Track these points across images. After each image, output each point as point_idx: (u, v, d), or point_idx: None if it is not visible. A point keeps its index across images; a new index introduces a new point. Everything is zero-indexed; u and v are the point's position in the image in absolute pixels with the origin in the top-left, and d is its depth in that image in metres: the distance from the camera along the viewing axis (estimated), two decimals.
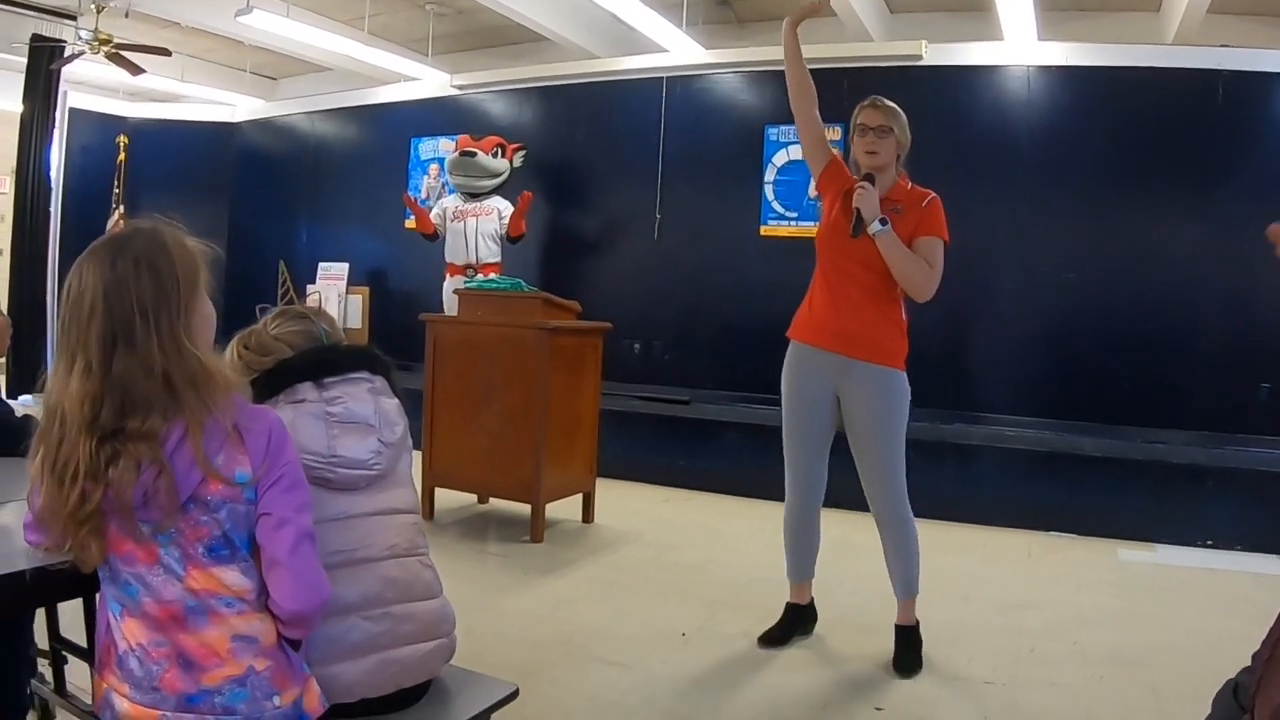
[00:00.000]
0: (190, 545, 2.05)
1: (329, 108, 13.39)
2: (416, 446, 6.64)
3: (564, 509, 7.27)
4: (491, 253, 10.62)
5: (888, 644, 4.92)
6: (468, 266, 10.49)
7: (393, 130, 12.64)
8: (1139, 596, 6.24)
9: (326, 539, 2.51)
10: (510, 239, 10.70)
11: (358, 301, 12.26)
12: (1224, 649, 1.83)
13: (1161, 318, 8.97)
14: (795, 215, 9.73)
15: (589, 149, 11.34)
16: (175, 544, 2.04)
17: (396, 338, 10.20)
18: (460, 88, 12.08)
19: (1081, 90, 9.36)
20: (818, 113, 4.99)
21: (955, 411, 9.29)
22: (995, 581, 6.42)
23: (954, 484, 8.21)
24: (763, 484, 8.23)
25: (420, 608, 2.69)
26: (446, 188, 11.62)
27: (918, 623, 4.92)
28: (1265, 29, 9.84)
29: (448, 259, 10.77)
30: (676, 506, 8.24)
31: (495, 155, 10.83)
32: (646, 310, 10.58)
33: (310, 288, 12.38)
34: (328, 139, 13.41)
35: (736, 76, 10.70)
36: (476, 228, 10.61)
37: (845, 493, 5.30)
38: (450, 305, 10.02)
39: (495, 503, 7.64)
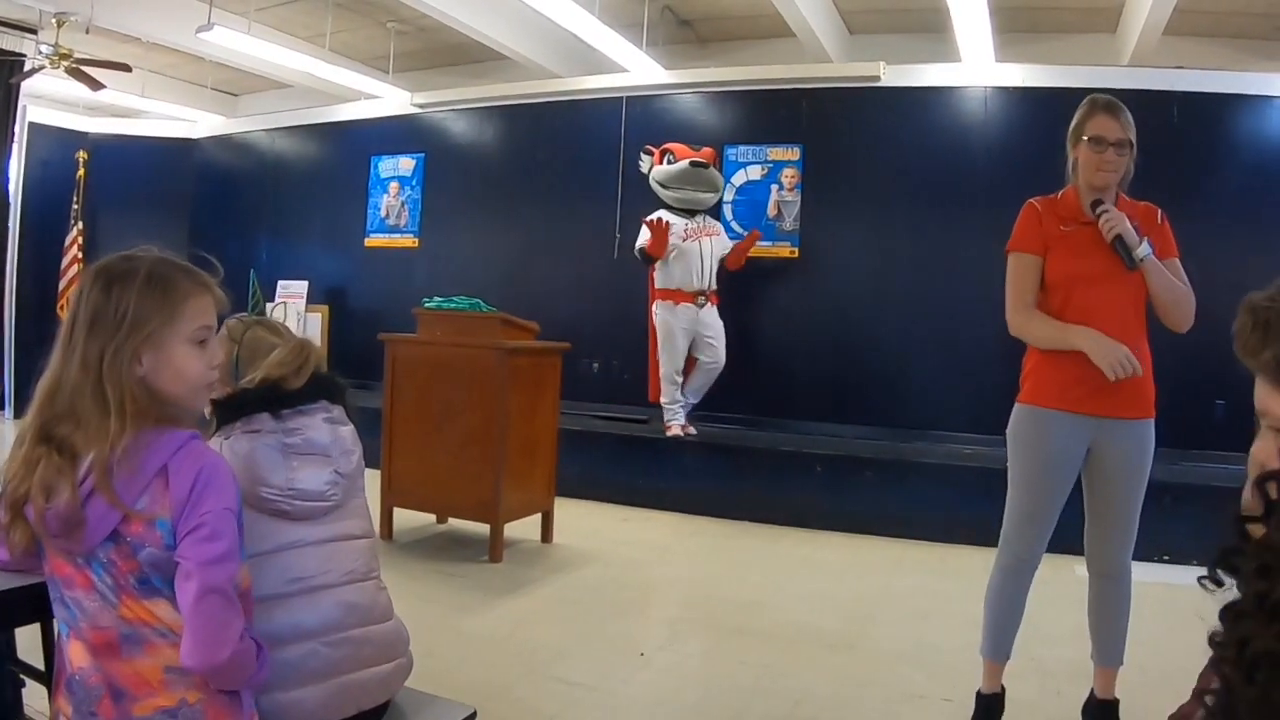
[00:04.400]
0: (122, 576, 2.03)
1: (290, 125, 13.38)
2: (375, 466, 6.65)
3: (523, 529, 7.24)
4: (716, 279, 9.60)
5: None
6: (699, 293, 9.40)
7: (353, 148, 12.64)
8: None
9: (285, 567, 2.53)
10: (729, 270, 9.71)
11: (317, 320, 12.22)
12: (1182, 664, 1.87)
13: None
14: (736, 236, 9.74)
15: (549, 168, 11.36)
16: (108, 572, 2.03)
17: (356, 357, 10.19)
18: (421, 106, 12.09)
19: (1039, 111, 9.43)
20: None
21: (916, 429, 9.35)
22: (954, 598, 6.44)
23: (913, 502, 8.22)
24: (722, 503, 8.30)
25: (377, 630, 2.71)
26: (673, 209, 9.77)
27: (1118, 700, 4.32)
28: (1220, 51, 9.93)
29: (667, 284, 9.46)
30: (636, 525, 8.24)
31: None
32: (606, 329, 10.61)
33: (270, 305, 12.33)
34: (288, 156, 13.39)
35: (696, 97, 10.76)
36: (711, 249, 9.56)
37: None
38: (673, 342, 9.35)
39: (454, 522, 7.63)
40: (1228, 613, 0.93)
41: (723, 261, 9.56)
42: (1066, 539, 7.94)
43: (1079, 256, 4.12)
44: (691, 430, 9.27)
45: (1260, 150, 9.33)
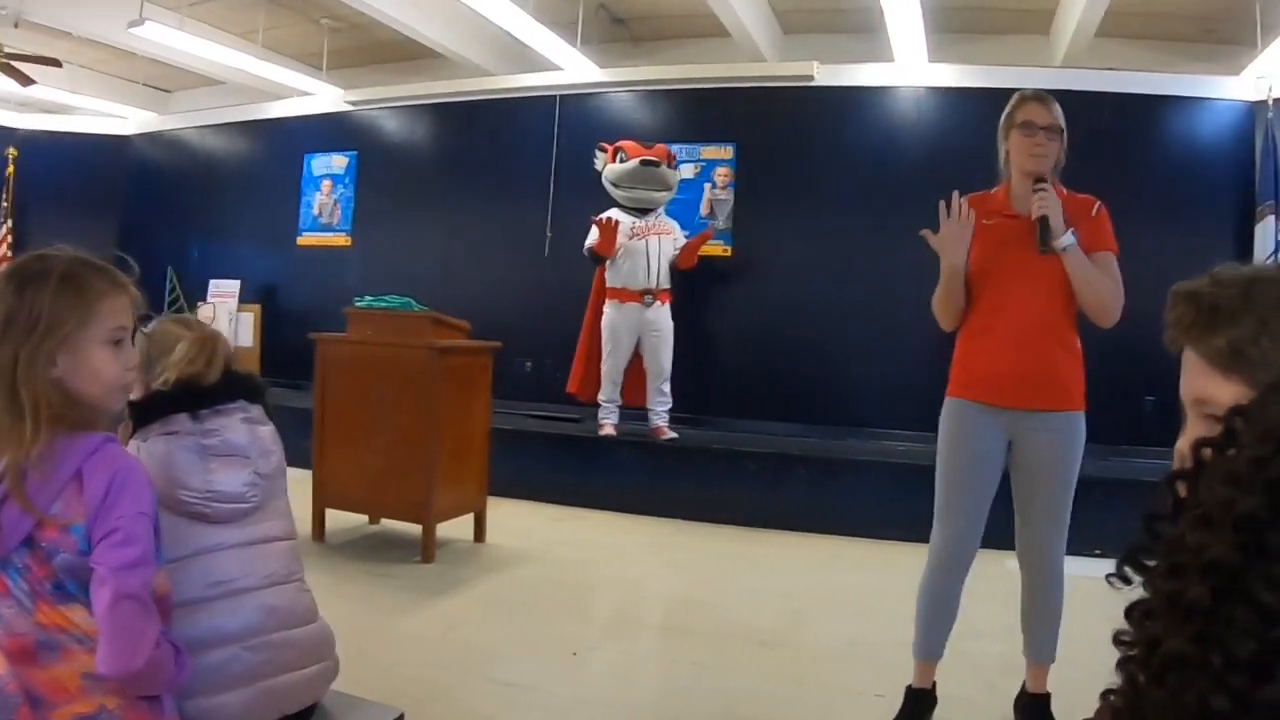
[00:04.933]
0: (38, 582, 2.00)
1: (222, 122, 13.29)
2: (306, 466, 6.61)
3: (455, 529, 7.19)
4: (668, 277, 9.40)
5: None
6: (645, 292, 9.24)
7: (286, 146, 12.57)
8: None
9: (205, 571, 2.50)
10: (680, 269, 9.54)
11: (249, 319, 12.13)
12: (1113, 656, 1.88)
13: None
14: (687, 233, 9.68)
15: (482, 166, 11.33)
16: (24, 578, 2.00)
17: (288, 356, 10.14)
18: (354, 103, 12.03)
19: (972, 111, 9.48)
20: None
21: (848, 427, 9.41)
22: (887, 595, 6.45)
23: (846, 499, 8.25)
24: (655, 502, 8.29)
25: (301, 633, 2.68)
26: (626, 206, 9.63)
27: (1050, 694, 4.33)
28: (1150, 53, 10.04)
29: (616, 283, 9.30)
30: (568, 525, 8.21)
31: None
32: (538, 328, 10.58)
33: (201, 304, 12.22)
34: (220, 153, 13.29)
35: (630, 95, 10.78)
36: (659, 247, 9.36)
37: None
38: (617, 341, 9.26)
39: (386, 523, 7.56)
40: (1134, 611, 0.92)
41: (673, 261, 9.40)
42: (998, 533, 8.01)
43: (999, 247, 4.17)
44: (672, 434, 9.20)
45: (1189, 151, 9.49)
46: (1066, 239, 4.06)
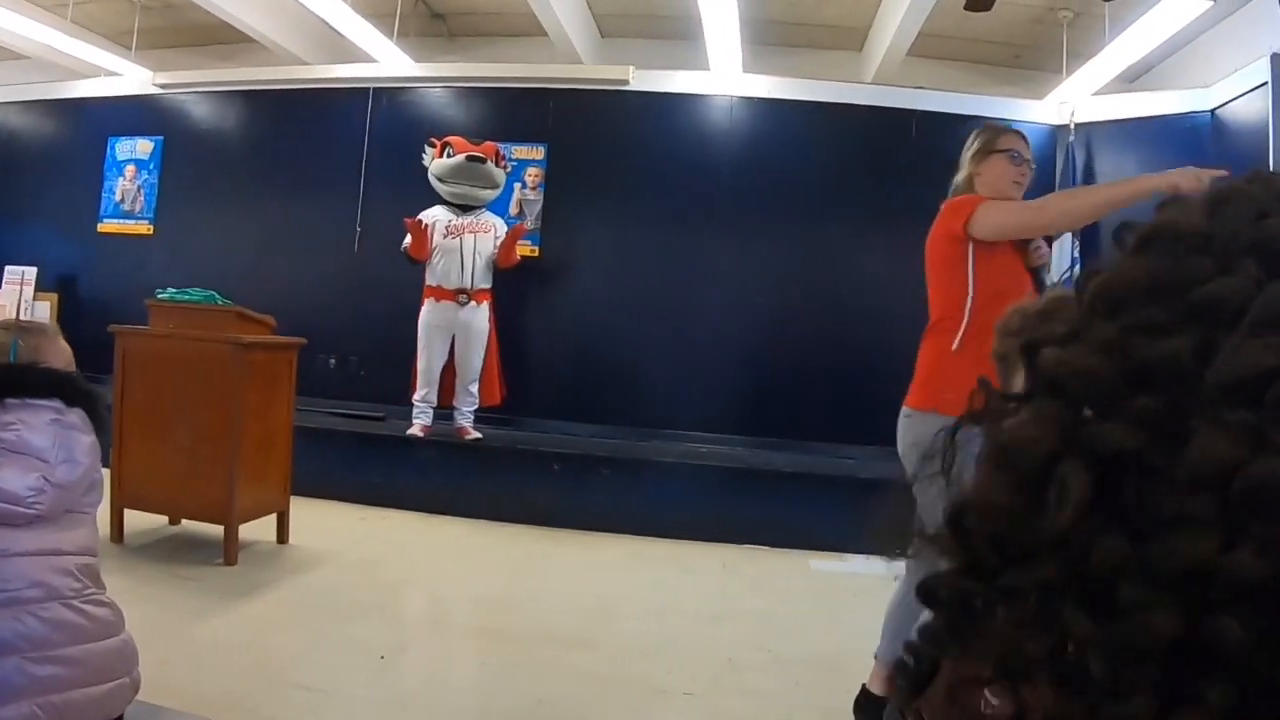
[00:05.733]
0: None
1: (23, 99, 12.82)
2: (104, 465, 6.43)
3: (258, 529, 7.03)
4: (486, 277, 9.27)
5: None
6: (460, 292, 9.08)
7: (89, 127, 12.15)
8: (832, 604, 6.51)
9: None
10: (501, 269, 9.40)
11: (45, 308, 11.74)
12: None
13: (852, 339, 9.49)
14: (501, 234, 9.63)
15: (292, 158, 11.11)
16: None
17: (87, 348, 9.73)
18: (163, 86, 11.72)
19: (783, 122, 9.70)
20: None
21: (653, 429, 9.48)
22: (693, 594, 6.55)
23: (651, 500, 8.31)
24: (461, 502, 8.26)
25: (95, 649, 2.62)
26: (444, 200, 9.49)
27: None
28: (960, 74, 10.34)
29: (432, 281, 9.18)
30: (372, 525, 8.13)
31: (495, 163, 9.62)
32: (343, 324, 10.44)
33: None
34: (20, 132, 12.81)
35: (445, 91, 10.70)
36: (475, 246, 9.19)
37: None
38: (430, 339, 9.13)
39: (188, 524, 7.33)
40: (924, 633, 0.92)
41: (493, 260, 9.27)
42: (794, 534, 8.11)
43: (1010, 267, 4.21)
44: (476, 434, 9.13)
45: None
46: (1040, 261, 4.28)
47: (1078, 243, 9.47)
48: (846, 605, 6.44)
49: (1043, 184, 9.83)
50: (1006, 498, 0.64)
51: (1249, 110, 8.75)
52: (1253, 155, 8.41)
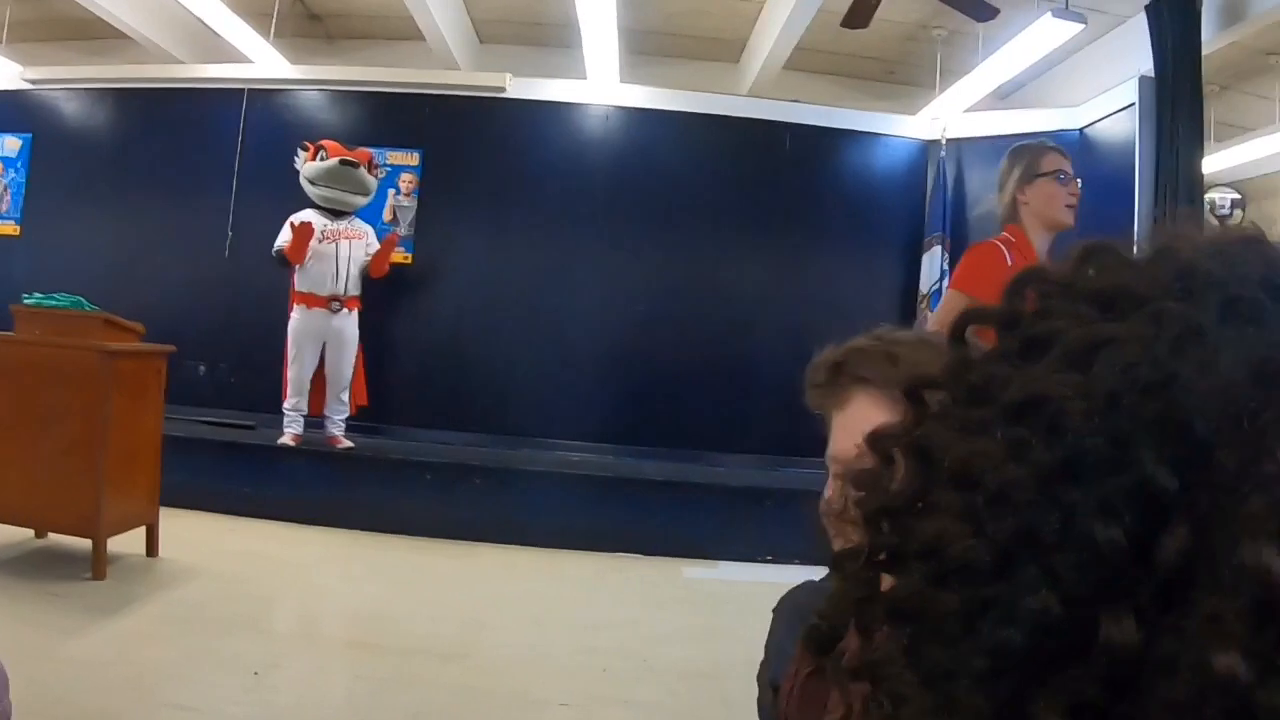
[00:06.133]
0: None
1: None
2: None
3: (127, 542, 6.85)
4: (358, 284, 9.12)
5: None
6: (333, 298, 8.93)
7: None
8: (705, 612, 6.58)
9: None
10: (373, 278, 9.27)
11: None
12: None
13: (725, 349, 9.60)
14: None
15: (163, 159, 10.85)
16: None
17: None
18: (32, 82, 11.48)
19: (660, 132, 9.77)
20: None
21: (526, 438, 9.49)
22: (567, 604, 6.58)
23: (523, 509, 8.32)
24: (332, 512, 8.20)
25: None
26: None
27: None
28: (835, 88, 10.52)
29: (304, 288, 8.95)
30: (243, 536, 8.00)
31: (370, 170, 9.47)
32: (214, 331, 10.26)
33: None
34: None
35: (321, 94, 10.60)
36: (349, 252, 9.07)
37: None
38: (301, 347, 8.95)
39: (54, 538, 7.15)
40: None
41: (365, 268, 9.15)
42: (666, 542, 8.15)
43: None
44: (347, 443, 9.02)
45: (866, 183, 10.01)
46: None
47: (947, 255, 9.64)
48: (719, 613, 6.51)
49: (913, 198, 10.11)
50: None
51: (1117, 130, 8.98)
52: (1120, 173, 8.65)
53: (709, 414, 9.68)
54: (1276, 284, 0.57)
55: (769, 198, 9.86)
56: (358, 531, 8.21)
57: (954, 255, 9.70)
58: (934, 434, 0.65)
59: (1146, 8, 8.26)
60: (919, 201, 10.10)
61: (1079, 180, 4.13)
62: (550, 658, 5.48)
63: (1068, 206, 4.06)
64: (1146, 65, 8.36)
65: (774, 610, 2.41)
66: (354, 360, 9.14)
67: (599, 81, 10.10)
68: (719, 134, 10.01)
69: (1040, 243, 4.08)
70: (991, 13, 8.30)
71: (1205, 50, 8.18)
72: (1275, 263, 0.60)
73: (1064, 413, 0.57)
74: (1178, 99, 8.12)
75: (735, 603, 6.64)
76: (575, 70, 10.03)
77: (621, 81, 10.10)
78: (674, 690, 4.94)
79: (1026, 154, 4.20)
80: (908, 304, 10.00)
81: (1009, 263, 3.96)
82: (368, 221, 9.50)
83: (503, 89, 10.07)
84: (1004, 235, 4.15)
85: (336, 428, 9.03)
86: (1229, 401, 0.53)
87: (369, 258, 9.15)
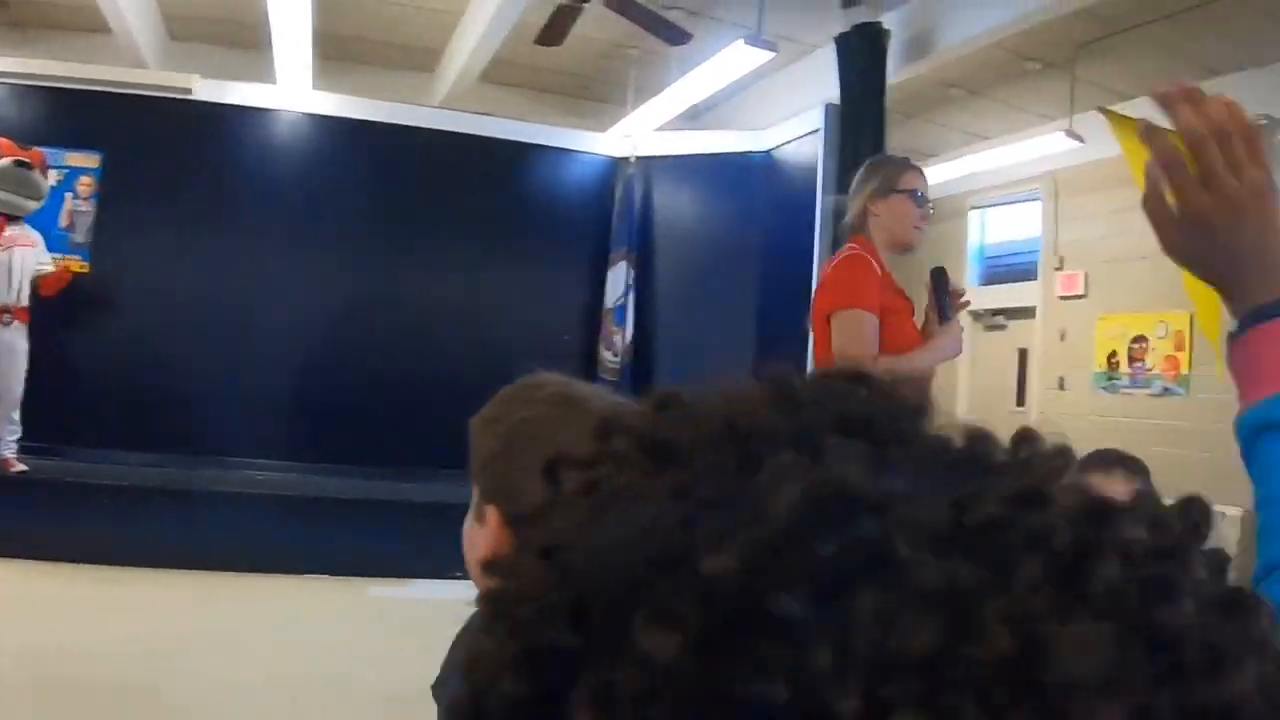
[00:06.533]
0: None
1: None
2: None
3: None
4: (27, 295, 8.57)
5: None
6: (4, 310, 8.38)
7: None
8: (398, 633, 6.48)
9: None
10: (43, 296, 8.71)
11: None
12: None
13: (415, 363, 9.56)
14: (55, 255, 9.16)
15: None
16: None
17: None
18: None
19: (349, 142, 9.67)
20: None
21: (204, 456, 9.29)
22: (259, 632, 6.44)
23: (203, 531, 8.09)
24: (5, 542, 7.68)
25: None
26: None
27: None
28: (530, 103, 10.62)
29: None
30: None
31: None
32: None
33: None
34: None
35: (5, 88, 10.06)
36: (22, 261, 8.54)
37: None
38: None
39: None
40: None
41: (36, 280, 8.65)
42: (353, 562, 8.06)
43: (906, 329, 3.99)
44: (21, 466, 8.51)
45: (555, 198, 10.23)
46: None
47: (633, 271, 9.79)
48: (412, 633, 6.45)
49: (601, 213, 10.24)
50: None
51: (802, 153, 9.29)
52: (803, 195, 8.94)
53: (397, 428, 9.59)
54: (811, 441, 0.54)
55: (460, 210, 9.88)
56: (35, 562, 7.75)
57: (640, 271, 9.85)
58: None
59: (836, 39, 8.51)
60: (607, 217, 10.25)
61: (931, 205, 4.14)
62: (241, 688, 5.36)
63: (916, 228, 4.04)
64: (834, 93, 8.62)
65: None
66: (23, 376, 8.70)
67: (290, 87, 9.91)
68: (411, 144, 9.99)
69: (885, 258, 4.02)
70: (685, 37, 8.43)
71: (891, 80, 8.49)
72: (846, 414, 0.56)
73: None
74: (861, 126, 8.47)
75: (427, 623, 6.45)
76: (266, 74, 9.80)
77: (315, 88, 9.91)
78: (370, 715, 4.91)
79: (885, 167, 4.18)
80: (592, 318, 10.12)
81: (879, 272, 3.94)
82: (40, 227, 8.98)
83: (189, 90, 9.73)
84: (852, 247, 4.09)
85: (9, 449, 8.52)
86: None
87: (40, 268, 8.71)
